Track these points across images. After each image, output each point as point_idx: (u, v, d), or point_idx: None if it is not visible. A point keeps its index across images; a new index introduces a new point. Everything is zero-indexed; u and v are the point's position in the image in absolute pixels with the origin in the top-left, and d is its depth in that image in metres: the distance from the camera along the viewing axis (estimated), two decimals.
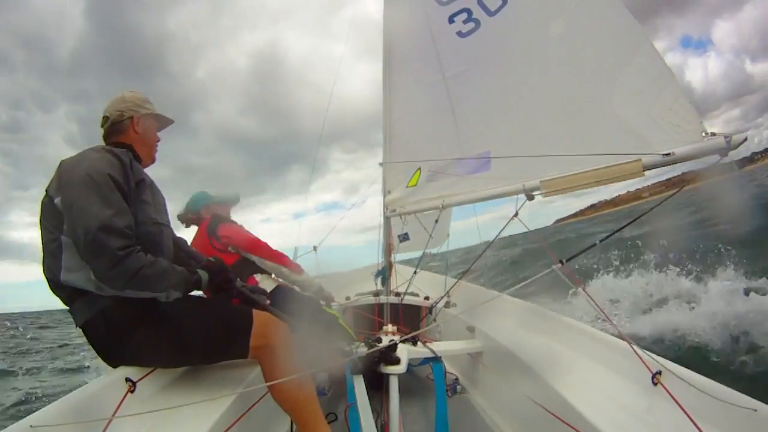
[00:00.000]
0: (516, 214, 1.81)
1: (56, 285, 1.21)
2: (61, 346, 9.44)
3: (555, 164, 1.61)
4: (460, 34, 2.32)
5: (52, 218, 1.20)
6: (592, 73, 1.70)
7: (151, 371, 1.29)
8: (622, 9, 1.55)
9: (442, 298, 2.51)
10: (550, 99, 1.86)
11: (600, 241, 1.54)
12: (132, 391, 1.19)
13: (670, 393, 1.16)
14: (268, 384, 1.28)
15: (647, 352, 1.34)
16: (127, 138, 1.41)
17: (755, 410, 1.00)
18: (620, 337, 1.48)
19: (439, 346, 1.92)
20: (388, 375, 1.57)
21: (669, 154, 1.27)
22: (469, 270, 2.53)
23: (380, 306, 2.80)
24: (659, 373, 1.25)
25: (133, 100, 1.43)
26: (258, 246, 2.26)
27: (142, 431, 1.07)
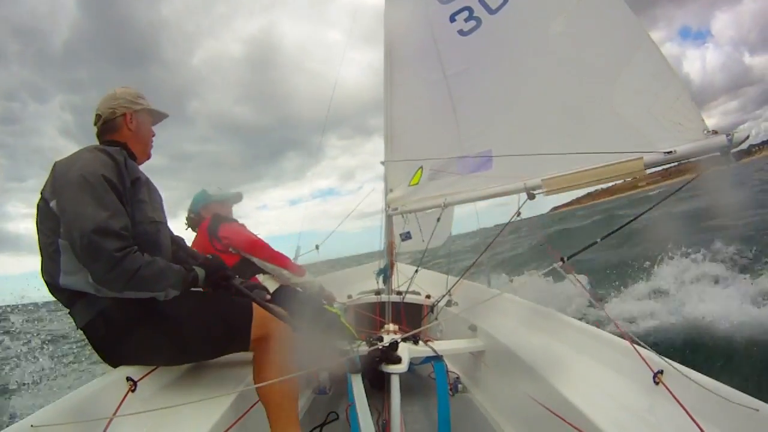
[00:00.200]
0: (518, 214, 1.81)
1: (55, 288, 1.21)
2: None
3: (556, 163, 1.61)
4: (461, 32, 2.31)
5: (48, 221, 1.19)
6: (593, 70, 1.69)
7: (152, 370, 1.30)
8: (624, 6, 1.55)
9: (443, 296, 2.51)
10: (551, 97, 1.86)
11: (601, 239, 1.53)
12: (133, 391, 1.19)
13: (672, 392, 1.15)
14: (261, 385, 1.28)
15: (649, 350, 1.34)
16: (120, 136, 1.39)
17: (757, 410, 1.00)
18: (622, 335, 1.47)
19: (441, 345, 1.92)
20: (389, 374, 1.57)
21: (671, 152, 1.26)
22: (468, 270, 2.53)
23: (382, 305, 2.81)
24: (661, 372, 1.24)
25: (124, 96, 1.41)
26: (258, 247, 2.25)
27: (143, 430, 1.07)
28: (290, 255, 2.57)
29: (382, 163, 2.92)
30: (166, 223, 1.44)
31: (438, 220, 2.40)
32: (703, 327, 3.40)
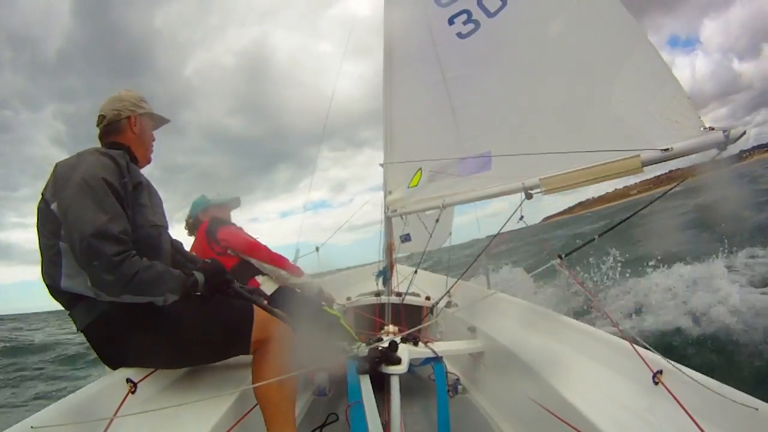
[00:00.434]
0: (521, 217, 1.81)
1: (56, 291, 1.21)
2: None
3: (555, 162, 1.62)
4: (460, 35, 2.33)
5: (49, 224, 1.19)
6: (590, 71, 1.70)
7: (152, 372, 1.30)
8: (620, 7, 1.56)
9: (442, 297, 2.51)
10: (549, 98, 1.86)
11: (599, 236, 1.53)
12: (133, 392, 1.19)
13: (671, 392, 1.15)
14: (259, 384, 1.27)
15: (648, 351, 1.34)
16: (124, 138, 1.39)
17: (756, 409, 0.99)
18: (621, 336, 1.47)
19: (440, 346, 1.91)
20: (389, 375, 1.57)
21: (668, 149, 1.26)
22: (467, 270, 2.53)
23: (381, 306, 2.80)
24: (660, 372, 1.24)
25: (129, 99, 1.41)
26: (256, 249, 2.25)
27: (143, 431, 1.08)
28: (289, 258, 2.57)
29: (382, 165, 2.93)
30: (167, 227, 1.44)
31: (437, 221, 2.40)
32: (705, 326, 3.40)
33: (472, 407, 1.98)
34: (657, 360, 1.29)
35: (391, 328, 2.22)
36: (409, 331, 1.84)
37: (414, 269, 2.79)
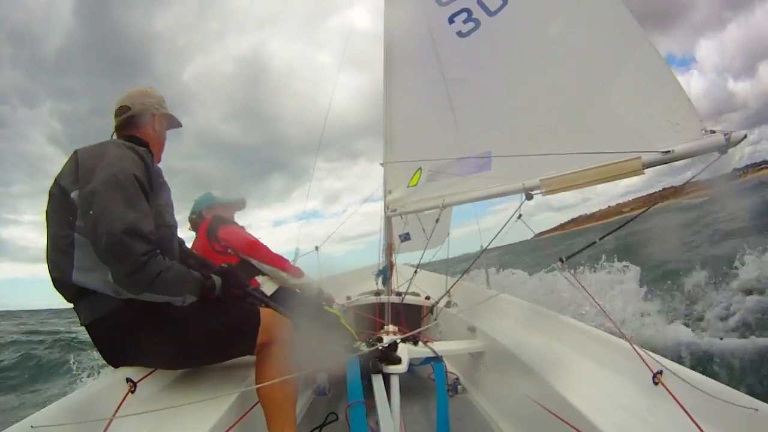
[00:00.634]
0: (520, 216, 1.81)
1: (63, 283, 1.18)
2: None
3: (555, 163, 1.61)
4: (460, 34, 2.32)
5: (63, 212, 1.15)
6: (591, 72, 1.70)
7: (152, 371, 1.29)
8: (622, 8, 1.55)
9: (442, 297, 2.51)
10: (549, 98, 1.86)
11: (600, 239, 1.54)
12: (132, 392, 1.19)
13: (671, 393, 1.15)
14: (260, 386, 1.28)
15: (648, 351, 1.34)
16: (144, 134, 1.38)
17: (756, 410, 1.00)
18: (621, 336, 1.48)
19: (440, 346, 1.92)
20: (389, 374, 1.57)
21: (669, 151, 1.26)
22: (466, 270, 2.53)
23: (381, 306, 2.80)
24: (660, 372, 1.24)
25: (155, 97, 1.42)
26: (257, 249, 2.24)
27: (143, 431, 1.07)
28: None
29: (382, 164, 2.92)
30: (176, 226, 1.44)
31: (436, 221, 2.40)
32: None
33: (472, 407, 1.99)
34: (657, 360, 1.30)
35: (391, 327, 2.22)
36: (411, 333, 1.84)
37: (414, 269, 2.79)
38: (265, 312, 1.39)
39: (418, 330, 2.03)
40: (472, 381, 2.22)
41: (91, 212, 1.08)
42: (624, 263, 5.76)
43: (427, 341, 1.98)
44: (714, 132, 1.20)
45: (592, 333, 1.66)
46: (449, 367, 2.13)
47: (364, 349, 1.62)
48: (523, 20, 2.04)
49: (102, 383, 1.17)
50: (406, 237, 3.42)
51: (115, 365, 1.26)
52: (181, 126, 1.56)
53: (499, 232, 1.91)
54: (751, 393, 1.06)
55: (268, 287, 2.22)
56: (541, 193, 1.61)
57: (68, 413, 1.01)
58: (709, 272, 5.24)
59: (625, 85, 1.52)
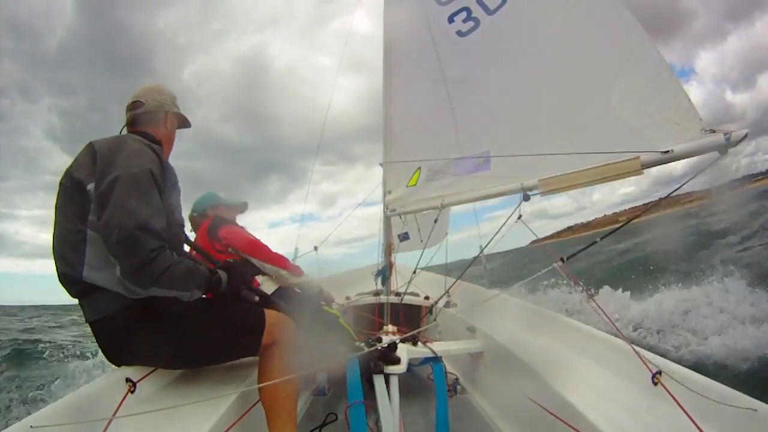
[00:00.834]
0: (520, 217, 1.80)
1: (71, 278, 1.17)
2: None
3: (555, 163, 1.61)
4: (459, 33, 2.32)
5: (75, 206, 1.14)
6: (591, 71, 1.69)
7: (152, 371, 1.29)
8: (621, 7, 1.55)
9: (441, 297, 2.51)
10: (549, 97, 1.86)
11: (600, 239, 1.53)
12: (132, 391, 1.19)
13: (671, 393, 1.15)
14: (261, 385, 1.28)
15: (647, 352, 1.34)
16: (156, 131, 1.37)
17: (755, 410, 1.00)
18: (620, 337, 1.48)
19: (440, 346, 1.91)
20: (388, 375, 1.57)
21: (668, 151, 1.26)
22: (465, 270, 2.53)
23: (380, 306, 2.80)
24: (659, 373, 1.24)
25: (169, 95, 1.42)
26: (257, 248, 2.25)
27: (142, 431, 1.07)
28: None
29: (381, 164, 2.92)
30: (184, 225, 1.44)
31: (435, 221, 2.40)
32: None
33: (472, 407, 1.99)
34: (656, 360, 1.30)
35: (390, 327, 2.22)
36: (410, 333, 1.84)
37: (413, 269, 2.79)
38: (269, 312, 1.40)
39: (418, 330, 2.03)
40: (471, 381, 2.22)
41: (106, 205, 1.07)
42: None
43: (427, 341, 1.97)
44: (714, 131, 1.20)
45: (591, 333, 1.66)
46: (449, 368, 2.13)
47: (364, 349, 1.62)
48: (522, 19, 2.04)
49: (102, 383, 1.17)
50: (405, 237, 3.42)
51: (118, 364, 1.26)
52: (190, 126, 1.55)
53: (497, 232, 1.91)
54: (750, 393, 1.06)
55: (267, 287, 2.22)
56: (539, 193, 1.61)
57: (68, 413, 1.01)
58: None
59: (625, 84, 1.52)
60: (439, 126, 2.48)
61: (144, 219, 1.05)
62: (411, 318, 2.81)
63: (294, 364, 1.31)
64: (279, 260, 2.29)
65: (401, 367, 1.58)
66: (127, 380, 1.20)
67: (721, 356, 3.16)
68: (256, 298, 1.49)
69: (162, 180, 1.19)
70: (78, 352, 5.89)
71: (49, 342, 6.85)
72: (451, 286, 2.41)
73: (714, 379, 1.16)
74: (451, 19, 2.34)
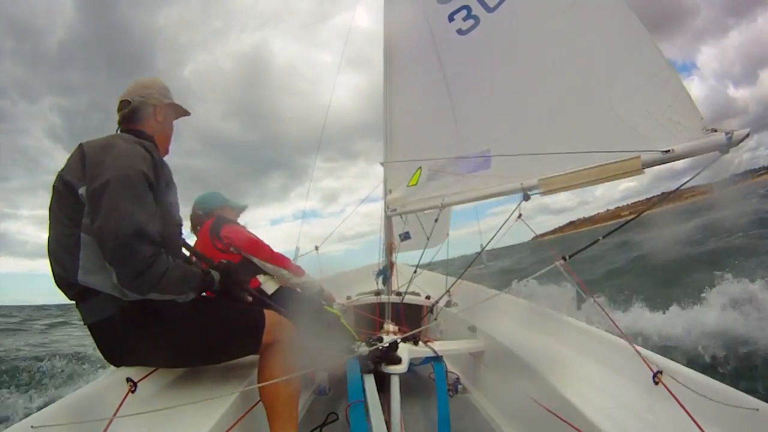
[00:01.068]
0: (520, 216, 1.80)
1: (66, 282, 1.16)
2: None
3: (555, 162, 1.61)
4: (460, 31, 2.31)
5: (68, 209, 1.13)
6: (591, 69, 1.69)
7: (152, 371, 1.30)
8: (622, 5, 1.54)
9: (442, 297, 2.51)
10: (549, 96, 1.85)
11: (603, 237, 1.53)
12: (133, 391, 1.19)
13: (672, 392, 1.15)
14: (261, 385, 1.28)
15: (648, 351, 1.34)
16: (147, 127, 1.35)
17: (757, 410, 1.00)
18: (621, 336, 1.47)
19: (441, 346, 1.91)
20: (389, 374, 1.57)
21: (669, 151, 1.26)
22: (469, 270, 2.52)
23: (381, 305, 2.80)
24: (660, 372, 1.24)
25: (156, 87, 1.38)
26: (259, 247, 2.26)
27: (143, 431, 1.08)
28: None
29: (382, 164, 2.92)
30: (182, 225, 1.42)
31: (435, 220, 2.40)
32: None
33: (472, 406, 1.99)
34: (657, 360, 1.29)
35: (391, 327, 2.22)
36: (411, 333, 1.84)
37: (414, 268, 2.79)
38: (269, 312, 1.40)
39: (419, 329, 2.03)
40: (472, 381, 2.22)
41: (98, 210, 1.05)
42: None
43: (428, 341, 1.97)
44: (715, 131, 1.19)
45: (592, 332, 1.66)
46: (449, 367, 2.13)
47: (365, 349, 1.62)
48: (522, 16, 2.03)
49: (102, 383, 1.18)
50: (406, 236, 3.42)
51: (117, 365, 1.26)
52: (189, 114, 1.51)
53: (497, 231, 1.91)
54: (751, 392, 1.05)
55: (269, 286, 2.23)
56: (539, 192, 1.60)
57: (68, 413, 1.01)
58: None
59: (626, 83, 1.51)
60: (439, 125, 2.47)
61: (139, 225, 1.03)
62: (412, 317, 2.81)
63: (294, 364, 1.31)
64: (280, 260, 2.30)
65: (402, 367, 1.58)
66: (128, 380, 1.20)
67: None
68: (249, 299, 1.49)
69: (155, 180, 1.16)
70: None
71: None
72: (451, 286, 2.41)
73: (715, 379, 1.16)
74: (451, 18, 2.33)
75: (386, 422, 1.55)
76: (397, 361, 1.58)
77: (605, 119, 1.56)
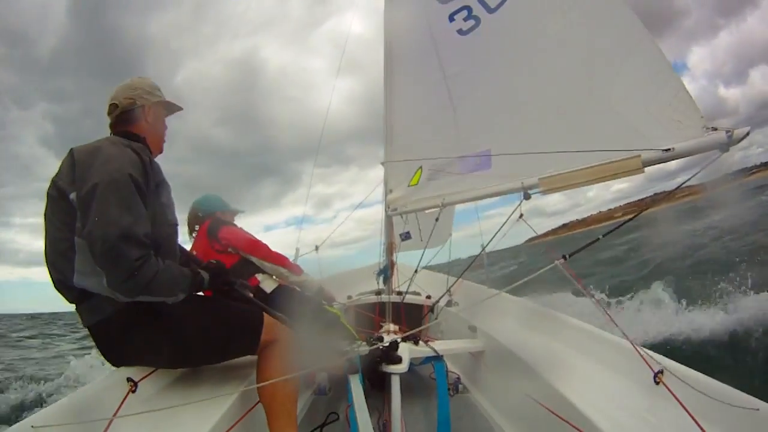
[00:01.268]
0: (521, 216, 1.80)
1: (64, 286, 1.17)
2: None
3: (555, 162, 1.61)
4: (460, 32, 2.31)
5: (61, 214, 1.14)
6: (591, 68, 1.68)
7: (153, 371, 1.30)
8: (622, 4, 1.54)
9: (443, 296, 2.51)
10: (550, 95, 1.85)
11: (603, 236, 1.52)
12: (133, 391, 1.19)
13: (672, 392, 1.15)
14: (261, 385, 1.28)
15: (649, 351, 1.33)
16: (138, 128, 1.34)
17: (757, 409, 0.99)
18: (622, 336, 1.47)
19: (441, 345, 1.91)
20: (389, 374, 1.57)
21: (669, 149, 1.25)
22: (467, 269, 2.53)
23: (382, 305, 2.80)
24: (661, 372, 1.24)
25: (143, 87, 1.37)
26: (257, 247, 2.27)
27: (143, 431, 1.08)
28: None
29: (382, 163, 2.92)
30: (177, 225, 1.42)
31: (436, 220, 2.40)
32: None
33: (473, 406, 1.98)
34: (658, 360, 1.29)
35: (392, 326, 2.22)
36: (411, 332, 1.84)
37: (414, 268, 2.79)
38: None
39: (419, 329, 2.03)
40: (472, 380, 2.21)
41: (88, 215, 1.06)
42: None
43: (428, 340, 1.98)
44: (716, 129, 1.19)
45: (593, 332, 1.66)
46: (450, 367, 2.12)
47: (365, 348, 1.62)
48: (523, 16, 2.03)
49: (102, 383, 1.18)
50: (406, 236, 3.42)
51: (117, 365, 1.26)
52: (181, 109, 1.50)
53: (498, 231, 1.91)
54: (752, 392, 1.05)
55: (267, 285, 2.24)
56: (540, 191, 1.60)
57: (69, 413, 1.01)
58: None
59: (626, 81, 1.51)
60: (439, 125, 2.47)
61: (126, 228, 1.03)
62: (412, 317, 2.81)
63: (293, 364, 1.31)
64: (278, 259, 2.31)
65: (403, 367, 1.58)
66: (128, 380, 1.20)
67: None
68: (251, 295, 1.49)
69: (145, 182, 1.16)
70: None
71: None
72: (452, 285, 2.41)
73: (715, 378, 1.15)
74: (451, 18, 2.33)
75: (387, 422, 1.55)
76: (398, 360, 1.58)
77: (605, 118, 1.56)
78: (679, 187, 1.27)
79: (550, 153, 1.60)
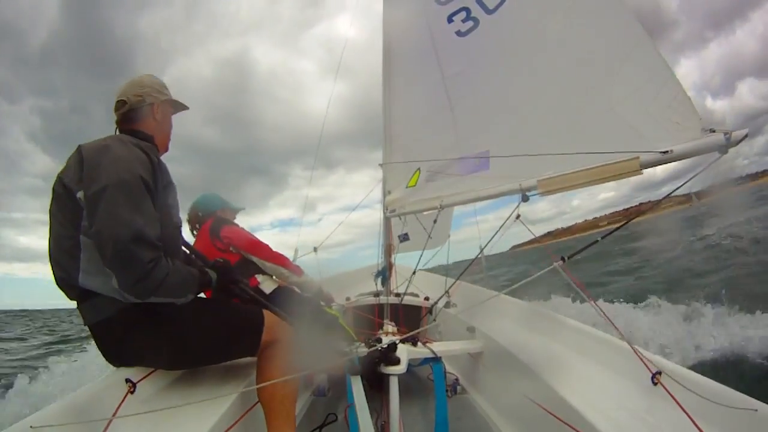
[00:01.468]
0: (518, 216, 1.80)
1: (68, 284, 1.16)
2: None
3: (553, 163, 1.61)
4: (459, 33, 2.32)
5: (67, 211, 1.13)
6: (590, 70, 1.69)
7: (152, 372, 1.29)
8: (621, 6, 1.55)
9: (441, 297, 2.51)
10: (549, 97, 1.86)
11: (602, 238, 1.53)
12: (132, 392, 1.19)
13: (671, 393, 1.15)
14: (260, 386, 1.28)
15: (647, 352, 1.34)
16: (145, 126, 1.33)
17: (755, 410, 1.00)
18: (620, 337, 1.47)
19: (439, 347, 1.92)
20: (388, 375, 1.57)
21: (667, 151, 1.26)
22: (468, 271, 2.53)
23: (380, 306, 2.80)
24: (659, 373, 1.24)
25: (152, 85, 1.36)
26: (258, 247, 2.27)
27: None
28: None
29: (381, 165, 2.92)
30: (181, 226, 1.42)
31: (435, 221, 2.40)
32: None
33: (471, 407, 1.98)
34: (656, 361, 1.29)
35: (390, 328, 2.22)
36: (410, 334, 1.84)
37: (413, 269, 2.79)
38: (267, 312, 1.40)
39: (418, 330, 2.03)
40: (471, 381, 2.21)
41: (96, 214, 1.04)
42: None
43: (426, 342, 1.97)
44: (714, 131, 1.19)
45: (591, 333, 1.66)
46: (448, 368, 2.13)
47: (364, 350, 1.62)
48: (521, 18, 2.04)
49: (102, 384, 1.17)
50: (404, 237, 3.42)
51: (117, 365, 1.26)
52: (187, 108, 1.50)
53: (496, 233, 1.91)
54: (750, 393, 1.05)
55: (267, 286, 2.23)
56: (538, 193, 1.60)
57: (68, 413, 1.01)
58: None
59: (625, 83, 1.51)
60: (438, 126, 2.47)
61: (138, 230, 1.03)
62: (411, 318, 2.82)
63: (292, 365, 1.31)
64: (279, 259, 2.31)
65: (401, 368, 1.58)
66: (127, 381, 1.20)
67: None
68: (248, 295, 1.49)
69: (154, 182, 1.16)
70: None
71: None
72: (450, 287, 2.41)
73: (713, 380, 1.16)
74: (450, 19, 2.34)
75: (385, 423, 1.55)
76: (396, 361, 1.58)
77: (604, 119, 1.56)
78: (678, 188, 1.28)
79: (549, 155, 1.61)
